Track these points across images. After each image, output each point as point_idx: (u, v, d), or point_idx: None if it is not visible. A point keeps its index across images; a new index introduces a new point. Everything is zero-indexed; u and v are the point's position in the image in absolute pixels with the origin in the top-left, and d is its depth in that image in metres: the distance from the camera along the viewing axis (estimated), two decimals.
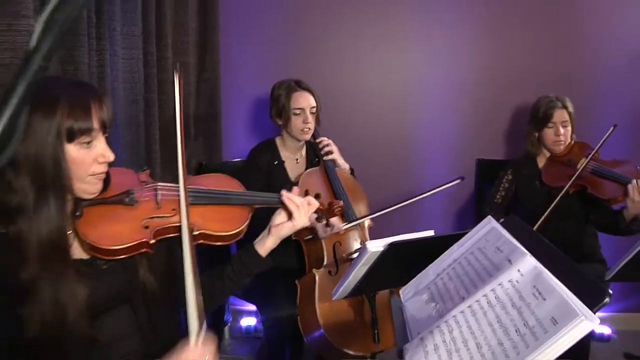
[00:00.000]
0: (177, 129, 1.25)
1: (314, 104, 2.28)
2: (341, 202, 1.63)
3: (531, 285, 0.88)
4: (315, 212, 1.48)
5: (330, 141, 2.33)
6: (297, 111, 2.25)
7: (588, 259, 2.43)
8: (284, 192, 1.41)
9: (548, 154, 2.50)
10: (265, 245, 1.40)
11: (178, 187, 1.21)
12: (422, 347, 0.93)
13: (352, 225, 2.09)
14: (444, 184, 2.11)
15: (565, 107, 2.39)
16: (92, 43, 1.62)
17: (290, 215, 1.40)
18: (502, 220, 1.23)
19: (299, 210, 1.39)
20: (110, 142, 1.15)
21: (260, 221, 1.44)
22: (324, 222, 1.64)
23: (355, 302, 1.96)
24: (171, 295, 1.30)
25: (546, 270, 0.89)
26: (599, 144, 2.29)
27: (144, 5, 1.99)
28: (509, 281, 0.93)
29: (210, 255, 2.31)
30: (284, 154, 2.38)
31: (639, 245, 1.55)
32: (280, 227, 1.40)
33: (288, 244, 2.20)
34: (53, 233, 1.04)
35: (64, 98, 1.03)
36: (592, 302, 0.78)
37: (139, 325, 1.24)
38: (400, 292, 1.34)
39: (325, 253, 2.07)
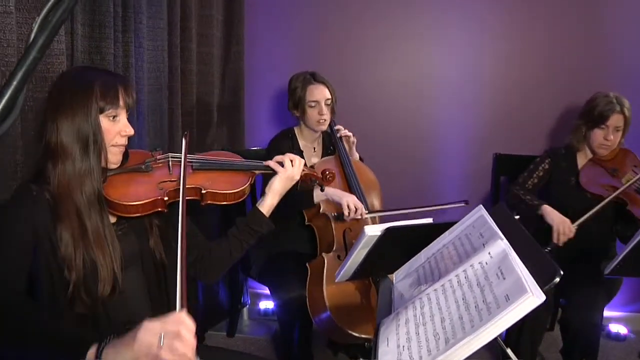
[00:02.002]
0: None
1: (329, 96, 2.36)
2: (333, 170, 1.81)
3: (497, 267, 0.94)
4: (311, 180, 1.68)
5: (346, 130, 2.42)
6: (313, 103, 2.34)
7: (602, 255, 2.40)
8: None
9: (590, 154, 2.43)
10: (265, 202, 1.55)
11: (187, 155, 1.40)
12: (396, 320, 1.01)
13: (372, 216, 2.20)
14: (449, 203, 2.19)
15: (622, 112, 2.29)
16: (118, 35, 1.75)
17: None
18: (491, 209, 1.30)
19: (287, 162, 1.56)
20: (135, 127, 1.34)
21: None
22: (319, 187, 1.77)
23: (362, 286, 2.04)
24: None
25: (513, 253, 0.95)
26: None
27: None
28: (479, 263, 0.99)
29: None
30: (302, 143, 2.47)
31: (634, 241, 1.58)
32: (271, 182, 1.56)
33: (302, 229, 2.33)
34: (94, 181, 1.25)
35: (98, 80, 1.26)
36: (545, 281, 0.84)
37: (148, 284, 1.38)
38: (394, 274, 1.42)
39: (335, 238, 2.16)
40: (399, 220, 1.58)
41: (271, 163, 1.57)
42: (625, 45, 2.78)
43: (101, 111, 1.26)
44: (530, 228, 2.43)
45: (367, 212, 2.16)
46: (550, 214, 2.26)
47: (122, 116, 1.31)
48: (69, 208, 1.22)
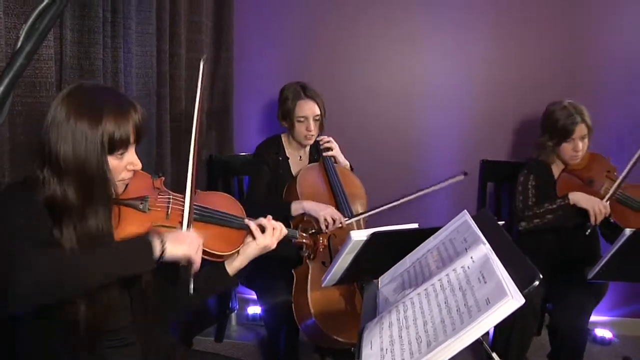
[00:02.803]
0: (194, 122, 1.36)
1: (318, 112, 2.34)
2: (325, 242, 1.85)
3: (478, 271, 0.96)
4: (305, 247, 1.77)
5: (330, 138, 2.43)
6: (301, 119, 2.33)
7: (589, 259, 2.42)
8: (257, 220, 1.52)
9: (562, 164, 2.45)
10: (233, 264, 1.48)
11: (188, 202, 1.30)
12: (379, 324, 1.03)
13: (353, 221, 2.20)
14: (447, 179, 2.14)
15: (584, 120, 2.32)
16: (107, 41, 1.75)
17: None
18: (475, 214, 1.32)
19: (268, 230, 1.50)
20: None
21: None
22: (310, 255, 1.79)
23: (347, 292, 2.05)
24: (165, 290, 1.39)
25: (494, 257, 0.97)
26: (626, 171, 2.21)
27: (158, 4, 2.11)
28: (461, 267, 1.01)
29: None
30: (288, 151, 2.47)
31: (616, 245, 1.61)
32: (247, 246, 1.49)
33: None
34: (101, 240, 1.16)
35: (108, 110, 1.15)
36: (525, 284, 0.86)
37: (132, 306, 1.33)
38: (379, 279, 1.43)
39: None
40: (381, 223, 1.60)
41: (252, 226, 1.49)
42: (611, 51, 2.82)
43: (110, 151, 1.16)
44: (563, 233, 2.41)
45: (346, 218, 2.16)
46: (581, 198, 2.25)
47: (130, 151, 1.22)
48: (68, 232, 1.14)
